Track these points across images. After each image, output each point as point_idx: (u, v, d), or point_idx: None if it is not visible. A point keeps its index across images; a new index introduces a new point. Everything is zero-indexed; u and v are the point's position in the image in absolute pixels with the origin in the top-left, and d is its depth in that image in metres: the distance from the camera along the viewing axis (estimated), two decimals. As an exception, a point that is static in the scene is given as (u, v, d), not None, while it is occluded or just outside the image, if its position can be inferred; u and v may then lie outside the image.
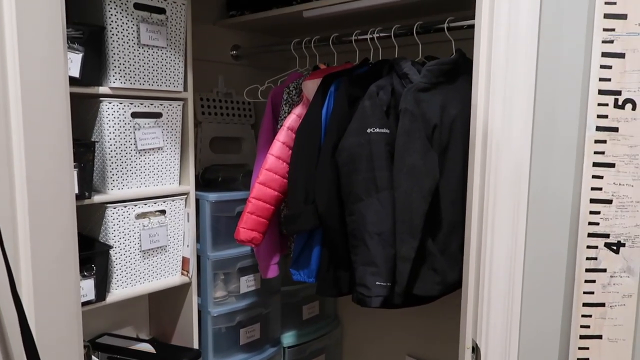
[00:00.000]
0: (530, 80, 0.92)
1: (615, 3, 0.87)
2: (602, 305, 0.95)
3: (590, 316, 0.95)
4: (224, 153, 1.87)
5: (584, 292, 0.95)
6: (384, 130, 1.21)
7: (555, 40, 0.91)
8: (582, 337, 0.96)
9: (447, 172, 1.23)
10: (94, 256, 1.33)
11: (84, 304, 1.29)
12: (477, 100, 0.97)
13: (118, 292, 1.40)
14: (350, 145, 1.22)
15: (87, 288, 1.31)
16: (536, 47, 0.92)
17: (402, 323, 1.87)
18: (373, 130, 1.21)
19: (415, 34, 1.34)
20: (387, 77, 1.29)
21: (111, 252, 1.37)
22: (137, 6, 1.34)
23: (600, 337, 0.95)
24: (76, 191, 1.23)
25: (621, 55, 0.89)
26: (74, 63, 1.24)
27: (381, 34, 1.41)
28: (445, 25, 1.29)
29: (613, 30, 0.88)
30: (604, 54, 0.89)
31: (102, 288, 1.35)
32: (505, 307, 0.99)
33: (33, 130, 0.88)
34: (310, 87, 1.37)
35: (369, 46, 1.44)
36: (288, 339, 1.86)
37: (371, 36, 1.42)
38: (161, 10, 1.38)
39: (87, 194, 1.29)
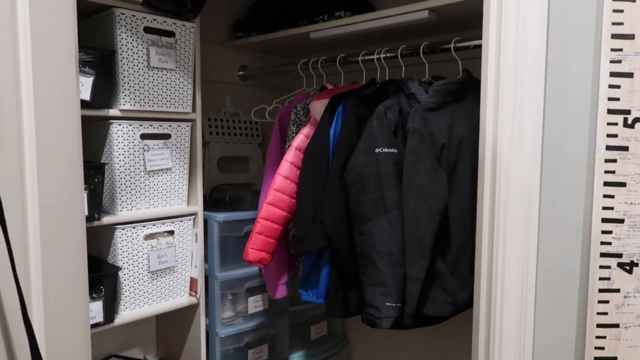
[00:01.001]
0: (539, 100, 0.93)
1: (622, 23, 0.88)
2: (617, 326, 0.93)
3: (604, 337, 0.94)
4: (232, 173, 1.88)
5: (598, 313, 0.93)
6: (392, 150, 1.21)
7: (563, 60, 0.92)
8: (596, 358, 0.94)
9: (456, 192, 1.22)
10: (102, 278, 1.33)
11: (92, 326, 1.29)
12: (486, 120, 0.98)
13: (126, 313, 1.40)
14: (358, 165, 1.22)
15: (96, 310, 1.30)
16: (544, 67, 0.92)
17: (411, 343, 1.85)
18: (381, 150, 1.21)
19: (421, 54, 1.35)
20: (394, 97, 1.30)
21: (120, 273, 1.37)
22: (147, 30, 1.36)
23: (615, 358, 0.94)
24: (86, 213, 1.23)
25: (629, 75, 0.89)
26: (85, 86, 1.25)
27: (388, 54, 1.42)
28: (452, 45, 1.30)
29: (621, 50, 0.89)
30: (612, 74, 0.89)
31: (110, 310, 1.34)
32: (518, 328, 0.98)
33: (45, 154, 0.89)
34: (318, 107, 1.38)
35: (376, 66, 1.45)
36: (296, 359, 1.84)
37: (378, 56, 1.43)
38: (170, 34, 1.40)
39: (96, 215, 1.29)
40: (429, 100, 1.22)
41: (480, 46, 1.01)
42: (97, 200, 1.29)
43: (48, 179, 0.89)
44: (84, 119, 1.04)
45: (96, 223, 1.30)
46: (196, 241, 1.53)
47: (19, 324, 0.83)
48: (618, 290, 0.93)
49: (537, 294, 0.96)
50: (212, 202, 1.72)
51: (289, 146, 1.42)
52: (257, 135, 1.95)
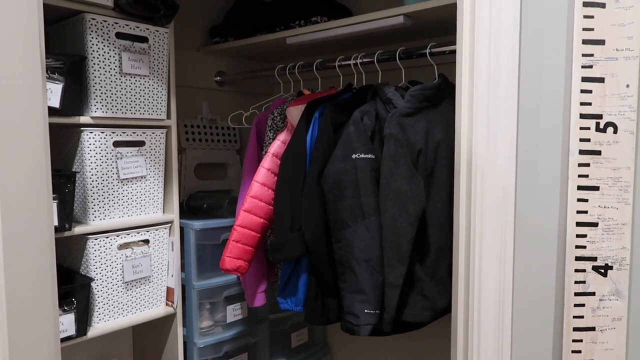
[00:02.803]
0: (513, 105, 0.93)
1: (592, 29, 0.89)
2: (593, 329, 0.94)
3: (581, 341, 0.94)
4: (209, 179, 1.85)
5: (574, 317, 0.94)
6: (369, 156, 1.21)
7: (535, 65, 0.92)
8: (573, 362, 0.94)
9: (434, 197, 1.22)
10: (74, 290, 1.29)
11: (64, 339, 1.25)
12: (461, 125, 0.98)
13: (100, 325, 1.36)
14: (335, 171, 1.22)
15: (67, 323, 1.27)
16: (517, 71, 0.93)
17: (392, 349, 1.84)
18: (358, 155, 1.20)
19: (398, 59, 1.35)
20: (371, 103, 1.29)
21: (93, 284, 1.33)
22: (119, 35, 1.33)
23: (592, 362, 0.94)
24: (55, 223, 1.20)
25: (601, 80, 0.90)
26: (54, 93, 1.22)
27: (364, 60, 1.41)
28: (428, 50, 1.30)
29: (592, 55, 0.89)
30: (584, 79, 0.90)
31: (83, 322, 1.30)
32: (496, 332, 0.98)
33: (8, 163, 0.86)
34: (295, 113, 1.37)
35: (353, 71, 1.45)
36: (277, 368, 1.82)
37: (354, 61, 1.43)
38: (143, 39, 1.38)
39: (67, 225, 1.26)
40: (405, 105, 1.22)
41: (455, 51, 1.02)
42: (67, 210, 1.26)
43: (11, 189, 0.86)
44: (54, 126, 1.01)
45: (67, 233, 1.27)
46: (172, 250, 1.50)
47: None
48: (593, 294, 0.93)
49: (514, 298, 0.96)
50: (189, 209, 1.70)
51: (266, 152, 1.40)
52: (235, 142, 1.93)
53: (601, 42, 0.89)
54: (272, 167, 1.37)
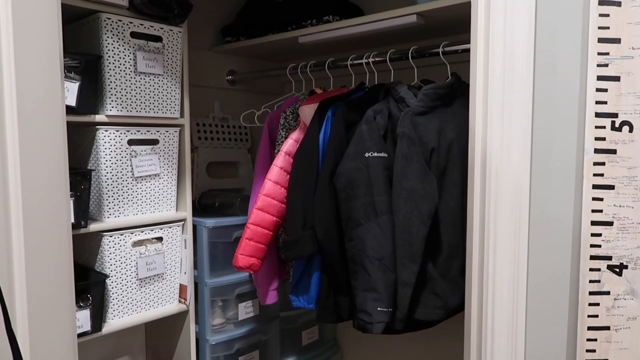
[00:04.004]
0: (528, 103, 0.93)
1: (608, 27, 0.89)
2: (607, 328, 0.94)
3: (595, 340, 0.94)
4: (221, 178, 1.86)
5: (589, 316, 0.94)
6: (382, 155, 1.21)
7: (551, 64, 0.92)
8: (587, 361, 0.94)
9: (446, 196, 1.22)
10: (89, 286, 1.31)
11: (79, 335, 1.26)
12: (475, 125, 0.98)
13: (114, 322, 1.37)
14: (348, 170, 1.22)
15: (83, 319, 1.28)
16: (532, 71, 0.93)
17: (403, 348, 1.84)
18: (371, 154, 1.20)
19: (410, 58, 1.36)
20: (383, 102, 1.30)
21: (107, 281, 1.35)
22: (134, 35, 1.34)
23: (606, 361, 0.94)
24: (72, 220, 1.21)
25: (616, 79, 0.90)
26: (71, 92, 1.23)
27: (376, 59, 1.42)
28: (440, 49, 1.30)
29: (607, 54, 0.89)
30: (600, 77, 0.90)
31: (98, 318, 1.32)
32: (510, 331, 0.98)
33: (29, 161, 0.87)
34: (307, 112, 1.38)
35: (365, 70, 1.45)
36: (287, 365, 1.83)
37: (366, 60, 1.43)
38: (158, 38, 1.39)
39: (83, 222, 1.27)
40: (418, 104, 1.22)
41: (468, 50, 1.02)
42: (83, 207, 1.27)
43: (32, 186, 0.87)
44: (70, 125, 1.03)
45: (83, 230, 1.28)
46: (185, 247, 1.51)
47: (2, 335, 0.81)
48: (608, 293, 0.93)
49: (528, 297, 0.96)
50: (201, 207, 1.71)
51: (279, 151, 1.41)
52: (246, 140, 1.94)
53: (617, 41, 0.89)
54: (285, 165, 1.37)
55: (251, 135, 1.96)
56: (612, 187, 0.91)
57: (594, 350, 0.94)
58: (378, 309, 1.18)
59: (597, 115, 0.90)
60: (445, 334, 1.60)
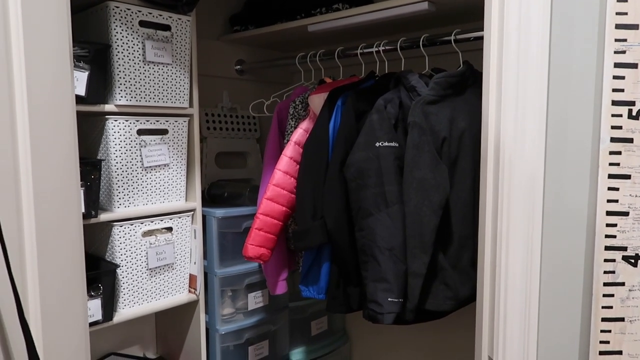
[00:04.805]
0: (542, 91, 0.91)
1: (626, 13, 0.87)
2: (622, 320, 0.92)
3: (609, 331, 0.93)
4: (230, 168, 1.86)
5: (603, 307, 0.92)
6: (393, 144, 1.20)
7: (566, 52, 0.90)
8: (601, 352, 0.93)
9: (457, 185, 1.21)
10: (100, 276, 1.31)
11: (91, 324, 1.27)
12: (488, 113, 0.96)
13: (125, 311, 1.38)
14: (358, 159, 1.21)
15: (94, 308, 1.29)
16: (547, 58, 0.91)
17: (412, 338, 1.84)
18: (382, 144, 1.19)
19: (421, 47, 1.34)
20: (394, 90, 1.28)
21: (118, 271, 1.35)
22: (143, 23, 1.34)
23: (620, 352, 0.93)
24: (83, 210, 1.21)
25: (634, 66, 0.87)
26: (80, 81, 1.23)
27: (387, 47, 1.40)
28: (452, 37, 1.28)
29: (625, 40, 0.87)
30: (617, 65, 0.88)
31: (109, 308, 1.33)
32: (522, 322, 0.97)
33: (40, 150, 0.87)
34: (317, 101, 1.36)
35: (375, 59, 1.43)
36: (296, 355, 1.83)
37: (377, 49, 1.41)
38: (166, 27, 1.38)
39: (93, 212, 1.28)
40: (429, 93, 1.20)
41: (480, 38, 1.00)
42: (93, 197, 1.27)
43: (43, 176, 0.87)
44: (80, 114, 1.02)
45: (93, 220, 1.28)
46: (195, 237, 1.51)
47: (15, 324, 0.82)
48: (623, 284, 0.92)
49: (542, 288, 0.95)
50: (210, 198, 1.71)
51: (288, 141, 1.40)
52: (255, 130, 1.93)
53: (635, 27, 0.87)
54: (295, 155, 1.37)
55: (260, 125, 1.95)
56: (628, 177, 0.90)
57: (607, 342, 0.93)
58: (388, 299, 1.18)
59: (614, 103, 0.88)
60: (455, 325, 1.60)
